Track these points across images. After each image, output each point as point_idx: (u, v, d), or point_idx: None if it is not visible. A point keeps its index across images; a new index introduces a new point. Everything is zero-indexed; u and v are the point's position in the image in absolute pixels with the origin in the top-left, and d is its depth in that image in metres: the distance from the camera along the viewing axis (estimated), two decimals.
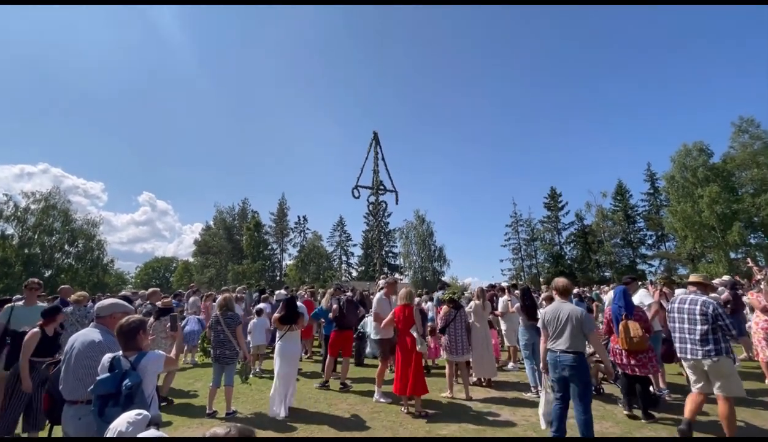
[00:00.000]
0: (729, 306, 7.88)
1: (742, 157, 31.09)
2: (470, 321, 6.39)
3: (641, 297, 5.79)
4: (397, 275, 49.71)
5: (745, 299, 8.29)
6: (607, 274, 39.51)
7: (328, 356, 6.26)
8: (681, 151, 32.73)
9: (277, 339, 5.49)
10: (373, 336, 6.24)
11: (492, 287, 10.90)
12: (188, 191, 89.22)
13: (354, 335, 7.15)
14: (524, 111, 79.18)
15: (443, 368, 7.04)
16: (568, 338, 3.73)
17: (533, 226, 44.81)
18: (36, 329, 3.94)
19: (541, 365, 4.02)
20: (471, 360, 6.24)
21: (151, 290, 6.96)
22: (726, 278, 9.26)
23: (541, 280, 35.67)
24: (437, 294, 9.08)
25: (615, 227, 40.17)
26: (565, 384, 3.74)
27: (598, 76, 75.38)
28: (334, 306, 6.78)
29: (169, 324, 3.77)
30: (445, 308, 6.22)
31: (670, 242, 38.40)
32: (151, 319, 5.93)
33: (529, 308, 6.15)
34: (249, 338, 7.70)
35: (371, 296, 8.54)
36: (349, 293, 7.32)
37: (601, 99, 73.47)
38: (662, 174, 35.16)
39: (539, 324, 3.94)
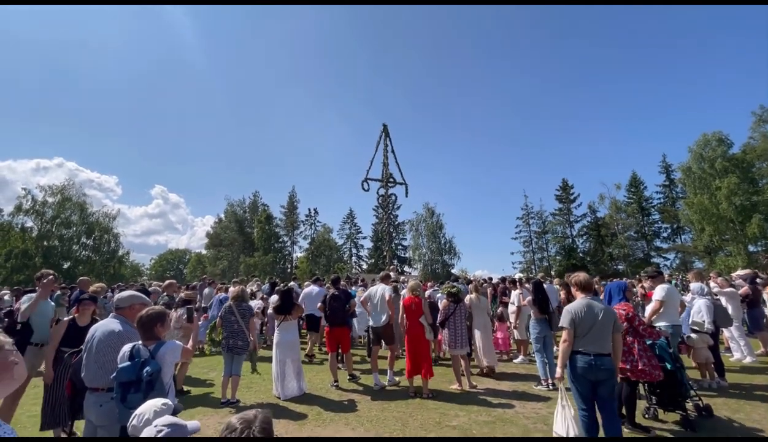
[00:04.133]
0: (747, 300, 7.74)
1: (762, 148, 30.13)
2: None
3: (658, 292, 5.63)
4: (406, 268, 49.92)
5: (765, 295, 8.12)
6: (620, 267, 38.95)
7: (329, 354, 6.32)
8: (700, 141, 31.85)
9: (275, 328, 5.72)
10: (371, 324, 6.33)
11: (503, 280, 10.85)
12: (199, 184, 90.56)
13: (349, 328, 7.11)
14: (534, 103, 77.93)
15: (449, 359, 7.10)
16: (605, 340, 3.39)
17: (545, 218, 44.36)
18: (66, 318, 4.03)
19: (558, 368, 3.51)
20: (472, 351, 6.32)
21: (167, 282, 7.12)
22: (745, 271, 9.07)
23: (552, 273, 35.35)
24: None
25: (629, 219, 39.48)
26: (592, 390, 3.38)
27: (611, 67, 73.64)
28: (318, 304, 6.84)
29: (185, 316, 3.87)
30: (444, 301, 6.26)
31: (685, 234, 37.65)
32: (174, 310, 6.09)
33: (541, 302, 6.14)
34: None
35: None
36: (330, 288, 7.17)
37: (615, 89, 71.86)
38: (678, 165, 34.32)
39: (564, 322, 3.48)
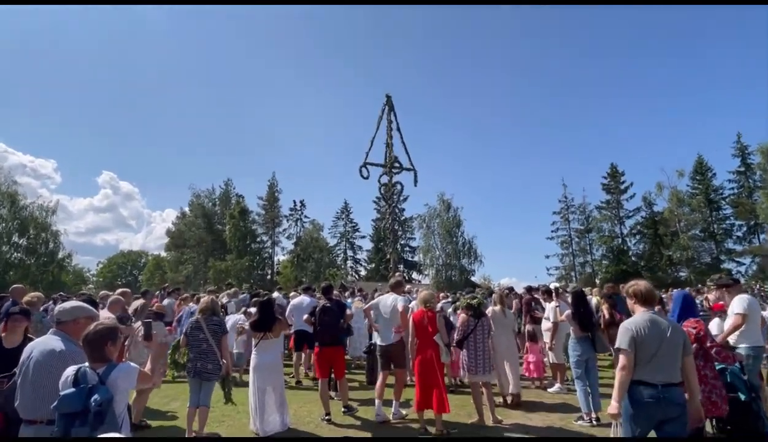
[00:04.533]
0: None
1: None
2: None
3: (737, 304, 5.58)
4: (415, 275, 50.01)
5: None
6: (682, 274, 38.97)
7: (319, 380, 6.34)
8: None
9: (253, 348, 5.74)
10: (379, 341, 6.37)
11: (530, 290, 10.86)
12: (158, 171, 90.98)
13: (344, 348, 7.14)
14: (573, 75, 77.53)
15: (466, 386, 7.13)
16: (675, 365, 3.29)
17: (588, 213, 44.34)
18: None
19: (614, 402, 3.33)
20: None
21: (120, 291, 7.15)
22: None
23: (597, 281, 35.37)
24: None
25: (693, 214, 39.36)
26: (656, 430, 3.29)
27: (670, 26, 73.12)
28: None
29: (142, 331, 3.91)
30: (462, 316, 6.27)
31: (765, 233, 37.47)
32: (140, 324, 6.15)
33: (583, 317, 6.14)
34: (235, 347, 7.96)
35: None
36: (320, 299, 7.18)
37: (678, 60, 71.39)
38: (757, 146, 34.14)
39: (622, 343, 3.34)
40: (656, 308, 3.63)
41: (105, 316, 5.79)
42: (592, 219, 43.97)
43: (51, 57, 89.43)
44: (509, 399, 6.69)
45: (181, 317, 9.31)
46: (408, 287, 12.04)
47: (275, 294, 11.89)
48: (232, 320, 8.38)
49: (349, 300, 10.23)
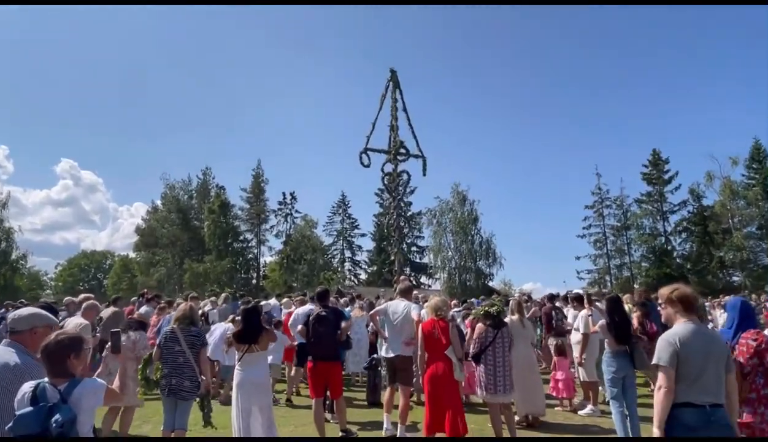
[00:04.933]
0: None
1: None
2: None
3: None
4: (424, 279, 50.08)
5: None
6: (735, 278, 38.84)
7: (313, 399, 6.38)
8: None
9: (236, 363, 5.76)
10: (385, 353, 6.50)
11: (552, 298, 10.85)
12: (125, 158, 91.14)
13: (341, 364, 7.20)
14: (610, 52, 77.19)
15: (481, 405, 7.16)
16: (721, 384, 3.29)
17: (626, 208, 44.21)
18: None
19: (656, 429, 3.34)
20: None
21: (82, 296, 7.19)
22: None
23: (635, 286, 35.31)
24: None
25: (749, 208, 39.13)
26: None
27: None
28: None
29: (110, 343, 3.92)
30: (480, 326, 6.28)
31: None
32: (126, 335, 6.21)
33: (620, 327, 6.13)
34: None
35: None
36: (314, 308, 7.19)
37: (729, 30, 70.77)
38: None
39: (662, 358, 3.30)
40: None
41: (77, 323, 5.92)
42: (630, 214, 43.88)
43: None
44: (529, 419, 6.72)
45: (161, 327, 9.38)
46: (414, 292, 12.06)
47: (272, 301, 11.96)
48: (221, 329, 8.45)
49: (347, 308, 10.26)
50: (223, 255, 45.74)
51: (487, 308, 6.36)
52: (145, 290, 13.75)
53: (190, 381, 5.35)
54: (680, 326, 3.42)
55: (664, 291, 3.60)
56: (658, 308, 3.75)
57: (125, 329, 6.30)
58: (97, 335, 6.10)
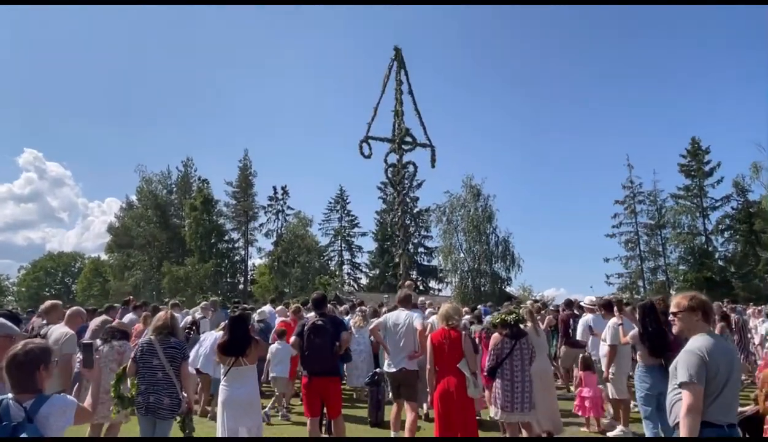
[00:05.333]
0: None
1: None
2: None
3: None
4: (433, 283, 50.05)
5: None
6: None
7: (308, 419, 6.41)
8: None
9: (222, 378, 5.79)
10: (388, 368, 6.69)
11: (570, 304, 10.89)
12: (96, 148, 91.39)
13: (340, 379, 7.25)
14: (644, 29, 76.82)
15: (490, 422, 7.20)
16: (737, 402, 3.44)
17: (661, 203, 44.13)
18: None
19: None
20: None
21: (48, 303, 7.23)
22: None
23: (672, 292, 35.21)
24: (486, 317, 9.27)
25: None
26: None
27: None
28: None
29: (81, 358, 3.92)
30: (496, 336, 6.31)
31: None
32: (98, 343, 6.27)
33: (655, 337, 6.13)
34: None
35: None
36: (311, 316, 7.26)
37: None
38: None
39: (691, 374, 3.30)
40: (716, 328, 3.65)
41: (62, 332, 5.99)
42: (666, 211, 43.81)
43: None
44: (543, 435, 6.74)
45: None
46: (421, 299, 12.08)
47: (266, 308, 11.98)
48: (211, 339, 8.51)
49: (347, 317, 10.29)
50: (206, 257, 45.87)
51: (504, 316, 6.37)
52: (131, 297, 13.84)
53: (169, 399, 5.36)
54: (704, 339, 3.44)
55: (680, 299, 3.63)
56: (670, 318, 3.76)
57: (107, 338, 6.34)
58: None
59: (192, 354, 9.27)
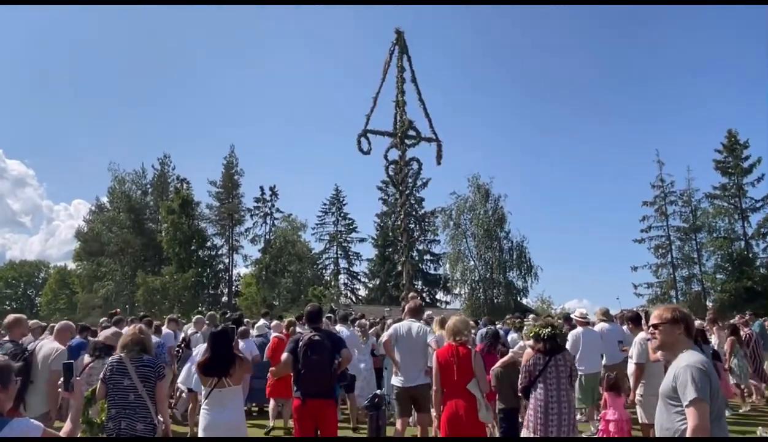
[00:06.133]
0: None
1: None
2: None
3: None
4: (440, 295, 49.91)
5: None
6: None
7: None
8: None
9: (203, 400, 5.83)
10: (401, 383, 6.90)
11: (568, 319, 11.03)
12: (62, 145, 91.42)
13: (336, 402, 7.27)
14: (677, 15, 77.10)
15: None
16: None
17: (695, 204, 44.07)
18: None
19: None
20: None
21: (11, 317, 7.24)
22: None
23: (709, 303, 35.15)
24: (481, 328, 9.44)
25: None
26: None
27: None
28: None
29: (62, 379, 3.90)
30: (528, 351, 6.33)
31: None
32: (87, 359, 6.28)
33: None
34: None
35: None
36: (303, 330, 7.35)
37: None
38: None
39: (703, 392, 3.31)
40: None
41: (51, 348, 6.13)
42: (701, 213, 43.69)
43: None
44: None
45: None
46: (428, 313, 12.13)
47: (260, 322, 12.00)
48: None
49: (347, 331, 10.33)
50: (185, 266, 45.75)
51: (538, 329, 6.37)
52: (117, 310, 13.90)
53: (143, 424, 5.34)
54: (699, 354, 3.52)
55: (661, 311, 3.71)
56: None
57: (95, 354, 6.37)
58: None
59: (184, 372, 9.37)
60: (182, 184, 51.24)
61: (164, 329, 11.02)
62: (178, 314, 17.48)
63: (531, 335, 6.42)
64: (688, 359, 3.50)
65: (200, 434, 5.78)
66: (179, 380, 9.60)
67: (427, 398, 6.73)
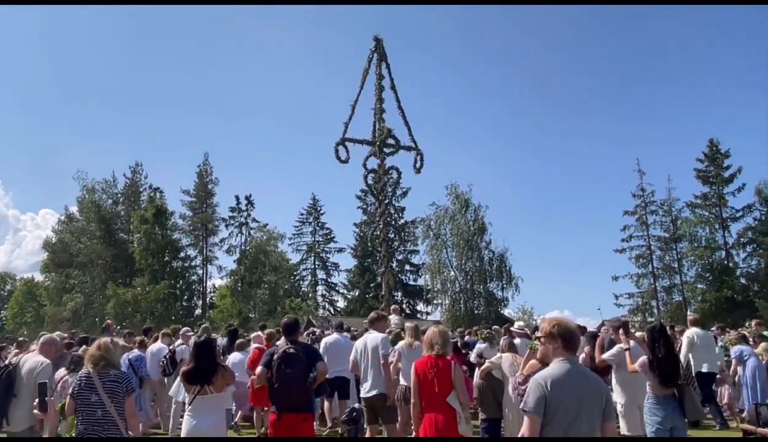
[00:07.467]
0: None
1: None
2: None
3: None
4: (421, 306, 49.96)
5: None
6: None
7: None
8: None
9: (186, 408, 5.88)
10: (363, 393, 7.24)
11: (536, 330, 11.26)
12: (28, 151, 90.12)
13: (313, 416, 7.32)
14: (657, 19, 78.47)
15: None
16: (594, 433, 3.77)
17: (676, 213, 44.69)
18: None
19: None
20: None
21: None
22: None
23: (688, 314, 35.59)
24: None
25: None
26: None
27: None
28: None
29: (36, 400, 3.88)
30: (533, 363, 6.41)
31: None
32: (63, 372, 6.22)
33: (665, 365, 6.22)
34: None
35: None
36: (280, 343, 7.45)
37: None
38: None
39: (528, 404, 3.70)
40: None
41: (37, 361, 6.07)
42: (681, 222, 44.20)
43: None
44: None
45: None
46: (408, 324, 12.18)
47: (257, 334, 12.08)
48: None
49: (341, 338, 10.48)
50: (158, 277, 45.36)
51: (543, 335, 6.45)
52: (108, 321, 13.79)
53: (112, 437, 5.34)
54: (555, 366, 3.82)
55: (545, 324, 4.06)
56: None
57: (70, 367, 6.35)
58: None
59: (175, 386, 9.35)
60: (155, 193, 50.87)
61: (159, 344, 11.14)
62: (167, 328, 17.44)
63: (533, 345, 6.54)
64: (540, 371, 3.93)
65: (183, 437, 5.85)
66: (171, 391, 9.63)
67: (384, 408, 7.15)
